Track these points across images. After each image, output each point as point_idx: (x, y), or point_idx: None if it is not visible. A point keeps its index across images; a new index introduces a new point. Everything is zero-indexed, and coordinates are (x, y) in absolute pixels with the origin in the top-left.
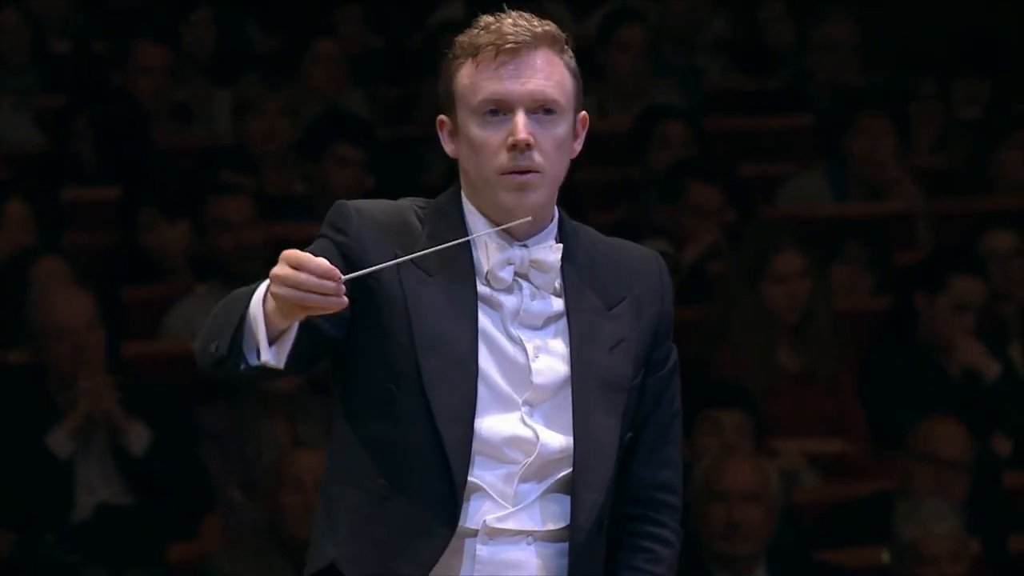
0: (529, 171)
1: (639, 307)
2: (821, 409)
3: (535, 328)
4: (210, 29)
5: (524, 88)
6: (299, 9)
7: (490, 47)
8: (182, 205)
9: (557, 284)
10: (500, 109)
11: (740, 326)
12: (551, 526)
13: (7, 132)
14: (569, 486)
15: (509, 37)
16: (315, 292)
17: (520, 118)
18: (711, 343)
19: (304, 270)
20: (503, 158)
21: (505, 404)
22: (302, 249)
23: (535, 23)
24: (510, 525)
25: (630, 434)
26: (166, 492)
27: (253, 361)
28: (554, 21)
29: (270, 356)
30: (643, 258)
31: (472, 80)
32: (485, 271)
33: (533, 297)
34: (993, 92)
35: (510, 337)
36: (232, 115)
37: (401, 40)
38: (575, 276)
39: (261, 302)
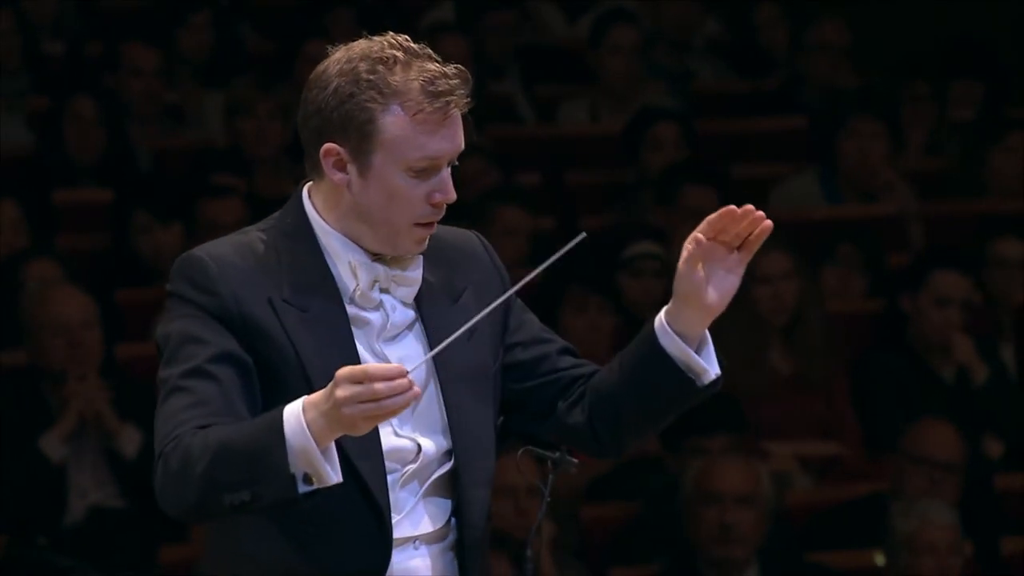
0: (435, 222)
1: (481, 293)
2: (813, 412)
3: (395, 339)
4: (208, 31)
5: (455, 146)
6: (291, 11)
7: (429, 103)
8: (175, 208)
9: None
10: (431, 167)
11: (729, 328)
12: (432, 527)
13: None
14: (444, 486)
15: (452, 98)
16: (393, 396)
17: (448, 176)
18: None
19: (372, 380)
20: (423, 210)
21: None
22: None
23: (452, 68)
24: (396, 534)
25: (502, 418)
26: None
27: (304, 490)
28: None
29: (337, 476)
30: (467, 242)
31: (408, 135)
32: (351, 291)
33: (394, 310)
34: (985, 95)
35: (375, 354)
36: (224, 117)
37: None
38: (424, 279)
39: (307, 432)
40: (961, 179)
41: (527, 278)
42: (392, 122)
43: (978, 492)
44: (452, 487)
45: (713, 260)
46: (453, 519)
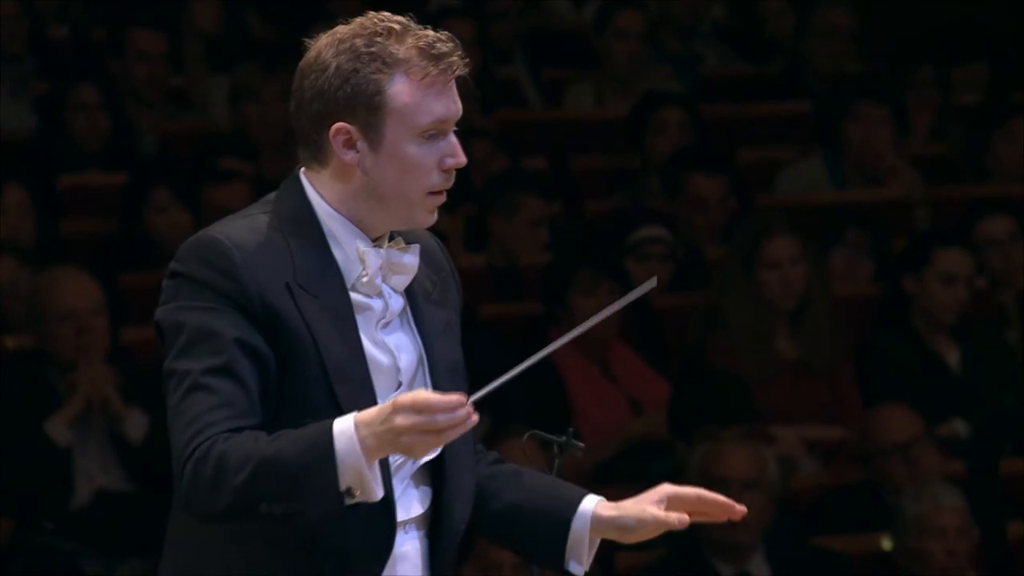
0: (447, 190)
1: (446, 289)
2: (819, 397)
3: (388, 327)
4: (217, 15)
5: (458, 109)
6: None
7: (434, 66)
8: (181, 192)
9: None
10: (439, 131)
11: (737, 313)
12: (419, 511)
13: (4, 119)
14: (427, 472)
15: (453, 60)
16: (454, 426)
17: (456, 140)
18: (708, 331)
19: (434, 412)
20: (436, 178)
21: None
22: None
23: (444, 33)
24: None
25: None
26: (164, 479)
27: (349, 502)
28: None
29: (381, 491)
30: (428, 239)
31: (417, 100)
32: (355, 277)
33: (391, 297)
34: (990, 79)
35: (375, 342)
36: (230, 102)
37: None
38: None
39: (358, 451)
40: (966, 163)
41: (593, 319)
42: (400, 90)
43: (984, 476)
44: (432, 474)
45: None
46: (432, 505)
